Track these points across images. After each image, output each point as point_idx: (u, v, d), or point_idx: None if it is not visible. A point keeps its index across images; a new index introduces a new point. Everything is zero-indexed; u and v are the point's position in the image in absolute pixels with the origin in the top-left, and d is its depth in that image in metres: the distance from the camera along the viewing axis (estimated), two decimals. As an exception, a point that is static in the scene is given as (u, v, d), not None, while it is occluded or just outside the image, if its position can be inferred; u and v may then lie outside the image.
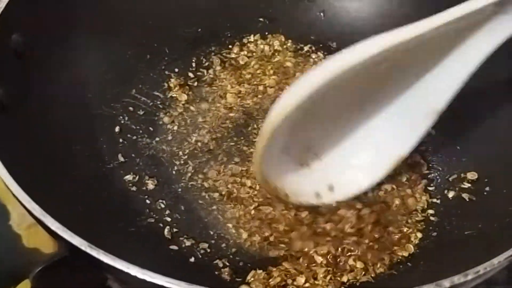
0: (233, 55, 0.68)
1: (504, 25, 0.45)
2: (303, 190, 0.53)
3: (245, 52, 0.68)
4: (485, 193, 0.53)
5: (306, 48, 0.69)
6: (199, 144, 0.60)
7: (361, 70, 0.43)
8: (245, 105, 0.63)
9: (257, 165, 0.48)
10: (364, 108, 0.52)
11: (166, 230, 0.52)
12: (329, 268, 0.49)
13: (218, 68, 0.66)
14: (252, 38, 0.69)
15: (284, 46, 0.69)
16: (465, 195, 0.54)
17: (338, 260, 0.50)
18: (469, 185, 0.55)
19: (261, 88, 0.65)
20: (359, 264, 0.50)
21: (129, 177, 0.56)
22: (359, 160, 0.54)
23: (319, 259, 0.50)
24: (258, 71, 0.66)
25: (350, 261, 0.50)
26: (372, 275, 0.49)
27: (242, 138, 0.60)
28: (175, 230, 0.53)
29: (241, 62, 0.67)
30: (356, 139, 0.53)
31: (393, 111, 0.52)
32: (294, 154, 0.52)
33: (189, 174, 0.57)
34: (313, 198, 0.53)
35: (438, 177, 0.58)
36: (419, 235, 0.53)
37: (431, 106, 0.50)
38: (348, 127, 0.53)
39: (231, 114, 0.62)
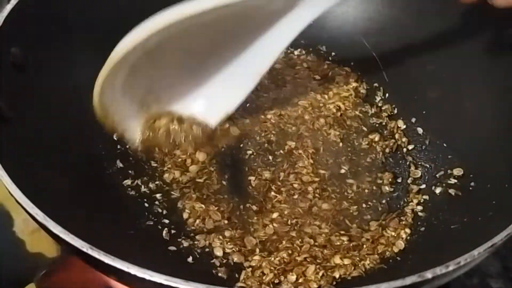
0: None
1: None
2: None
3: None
4: (470, 188, 0.55)
5: (296, 53, 0.71)
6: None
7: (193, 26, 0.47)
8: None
9: (96, 100, 0.51)
10: (201, 62, 0.55)
11: (164, 232, 0.54)
12: (318, 265, 0.51)
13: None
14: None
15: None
16: (451, 191, 0.56)
17: (325, 258, 0.52)
18: (455, 181, 0.57)
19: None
20: (347, 261, 0.52)
21: (127, 182, 0.58)
22: (194, 108, 0.57)
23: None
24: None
25: (337, 260, 0.52)
26: (363, 270, 0.51)
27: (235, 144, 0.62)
28: (173, 231, 0.55)
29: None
30: (193, 89, 0.56)
31: (225, 71, 0.55)
32: (135, 95, 0.54)
33: (186, 178, 0.59)
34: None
35: (426, 174, 0.60)
36: (408, 231, 0.55)
37: (256, 69, 0.54)
38: (187, 77, 0.56)
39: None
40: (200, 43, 0.52)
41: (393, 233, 0.54)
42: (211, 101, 0.56)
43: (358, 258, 0.52)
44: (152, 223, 0.55)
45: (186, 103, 0.56)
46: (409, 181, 0.60)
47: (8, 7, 0.53)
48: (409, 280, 0.37)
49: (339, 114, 0.65)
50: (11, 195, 0.43)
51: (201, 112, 0.56)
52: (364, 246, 0.54)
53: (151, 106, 0.55)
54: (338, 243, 0.54)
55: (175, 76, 0.55)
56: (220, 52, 0.54)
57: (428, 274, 0.38)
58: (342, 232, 0.55)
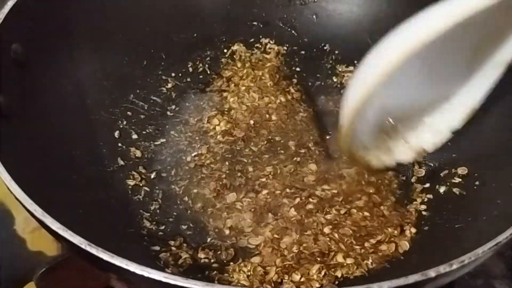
0: (228, 60, 0.69)
1: None
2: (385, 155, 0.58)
3: (240, 56, 0.70)
4: (475, 187, 0.54)
5: (299, 51, 0.70)
6: (195, 148, 0.62)
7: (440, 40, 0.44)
8: (238, 110, 0.65)
9: (345, 140, 0.52)
10: (439, 71, 0.54)
11: (163, 232, 0.54)
12: (321, 264, 0.50)
13: (213, 72, 0.68)
14: (246, 42, 0.70)
15: (276, 49, 0.70)
16: (456, 190, 0.56)
17: (326, 257, 0.52)
18: (460, 180, 0.56)
19: (254, 93, 0.66)
20: (349, 260, 0.51)
21: (128, 180, 0.58)
22: (434, 118, 0.58)
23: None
24: (251, 76, 0.68)
25: (339, 258, 0.51)
26: (365, 269, 0.51)
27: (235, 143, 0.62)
28: (172, 231, 0.54)
29: (236, 66, 0.69)
30: (431, 99, 0.57)
31: (464, 68, 0.54)
32: (375, 124, 0.55)
33: (186, 177, 0.59)
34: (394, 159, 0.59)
35: (430, 173, 0.59)
36: (412, 230, 0.54)
37: (499, 58, 0.52)
38: (425, 90, 0.55)
39: (223, 119, 0.64)
40: (439, 55, 0.49)
41: (396, 232, 0.54)
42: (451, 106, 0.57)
43: (361, 258, 0.52)
44: (151, 221, 0.55)
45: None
46: (413, 180, 0.59)
47: (10, 4, 0.53)
48: (412, 278, 0.37)
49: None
50: (10, 191, 0.42)
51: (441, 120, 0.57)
52: (367, 245, 0.53)
53: (390, 132, 0.57)
54: (340, 241, 0.53)
55: (412, 94, 0.54)
56: (457, 55, 0.52)
57: (432, 273, 0.37)
58: (345, 230, 0.55)
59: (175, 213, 0.56)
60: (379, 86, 0.46)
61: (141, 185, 0.58)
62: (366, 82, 0.47)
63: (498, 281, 0.62)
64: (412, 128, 0.58)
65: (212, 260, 0.52)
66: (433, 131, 0.58)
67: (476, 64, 0.53)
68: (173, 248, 0.52)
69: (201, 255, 0.52)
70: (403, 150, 0.58)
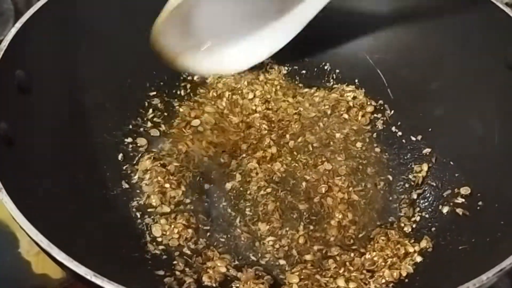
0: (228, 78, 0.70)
1: None
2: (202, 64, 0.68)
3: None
4: (478, 207, 0.55)
5: (300, 70, 0.71)
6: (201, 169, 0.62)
7: None
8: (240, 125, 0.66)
9: (155, 36, 0.62)
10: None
11: (167, 256, 0.54)
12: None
13: (215, 92, 0.68)
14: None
15: (277, 68, 0.71)
16: (459, 210, 0.56)
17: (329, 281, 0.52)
18: (463, 200, 0.56)
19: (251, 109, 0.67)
20: (352, 285, 0.51)
21: (133, 203, 0.58)
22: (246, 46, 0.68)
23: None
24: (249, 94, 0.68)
25: (341, 283, 0.51)
26: (369, 291, 0.51)
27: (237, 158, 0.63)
28: (176, 255, 0.54)
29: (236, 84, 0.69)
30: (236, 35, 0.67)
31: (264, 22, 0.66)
32: (195, 38, 0.66)
33: (189, 199, 0.59)
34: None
35: (432, 193, 0.59)
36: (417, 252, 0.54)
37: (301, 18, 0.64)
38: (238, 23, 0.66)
39: (226, 138, 0.64)
40: None
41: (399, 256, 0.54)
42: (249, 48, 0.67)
43: (363, 282, 0.52)
44: (156, 246, 0.55)
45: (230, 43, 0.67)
46: (415, 198, 0.59)
47: (13, 31, 0.53)
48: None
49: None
50: (15, 220, 0.43)
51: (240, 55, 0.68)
52: (369, 266, 0.54)
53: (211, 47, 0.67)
54: (343, 263, 0.54)
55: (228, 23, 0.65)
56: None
57: (436, 300, 0.37)
58: (348, 252, 0.55)
59: (179, 237, 0.56)
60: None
61: (147, 208, 0.58)
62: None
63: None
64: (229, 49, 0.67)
65: (215, 285, 0.52)
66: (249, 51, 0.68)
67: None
68: (177, 273, 0.52)
69: (205, 279, 0.52)
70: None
